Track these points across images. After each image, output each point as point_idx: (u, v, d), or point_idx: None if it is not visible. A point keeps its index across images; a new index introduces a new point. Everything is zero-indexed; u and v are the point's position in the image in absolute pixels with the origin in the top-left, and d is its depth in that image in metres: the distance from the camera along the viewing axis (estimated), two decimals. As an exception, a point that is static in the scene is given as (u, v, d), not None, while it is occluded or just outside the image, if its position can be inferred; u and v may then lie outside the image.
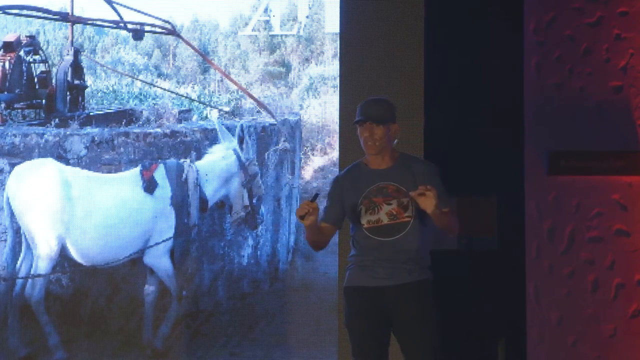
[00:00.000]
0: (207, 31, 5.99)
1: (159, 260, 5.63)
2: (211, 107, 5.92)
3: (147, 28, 5.92)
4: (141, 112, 5.89)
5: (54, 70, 5.97)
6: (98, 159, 5.70)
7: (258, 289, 5.62)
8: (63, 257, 5.62)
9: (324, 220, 3.87)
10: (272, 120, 5.74)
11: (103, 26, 6.04)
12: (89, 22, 6.02)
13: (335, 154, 5.52)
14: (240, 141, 5.71)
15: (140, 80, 6.04)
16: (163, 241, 5.62)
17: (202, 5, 5.90)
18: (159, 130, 5.74)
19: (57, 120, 5.83)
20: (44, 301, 5.60)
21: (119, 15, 5.87)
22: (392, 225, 3.82)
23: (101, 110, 5.99)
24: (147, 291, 5.62)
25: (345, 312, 3.91)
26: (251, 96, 5.79)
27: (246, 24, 5.90)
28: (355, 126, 3.85)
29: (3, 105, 5.88)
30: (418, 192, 3.69)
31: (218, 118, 5.82)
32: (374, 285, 3.84)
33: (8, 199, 5.63)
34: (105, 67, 6.05)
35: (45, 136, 5.72)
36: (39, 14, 5.92)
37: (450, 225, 3.86)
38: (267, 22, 5.88)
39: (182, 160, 5.68)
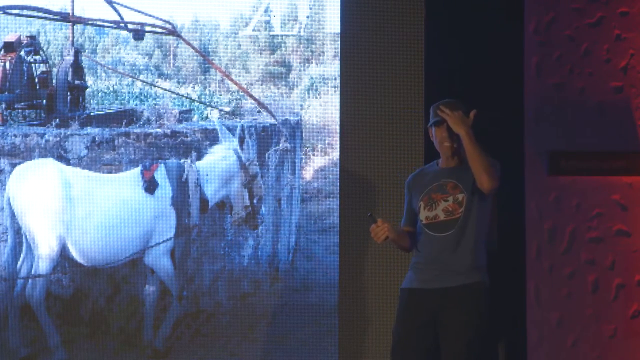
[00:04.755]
0: (207, 31, 5.99)
1: (160, 260, 5.63)
2: (212, 107, 5.92)
3: (147, 28, 5.92)
4: (142, 112, 5.89)
5: (55, 70, 5.97)
6: (98, 159, 5.71)
7: (258, 289, 5.61)
8: (63, 258, 5.62)
9: (405, 225, 4.01)
10: (272, 121, 5.74)
11: (103, 26, 6.04)
12: (90, 22, 6.02)
13: (335, 154, 5.51)
14: (241, 141, 5.71)
15: (141, 81, 6.04)
16: (163, 241, 5.62)
17: (203, 6, 5.90)
18: (159, 130, 5.74)
19: (57, 120, 5.83)
20: (45, 301, 5.60)
21: (119, 15, 5.87)
22: (447, 222, 3.89)
23: (102, 111, 5.99)
24: (147, 291, 5.63)
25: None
26: (252, 96, 5.79)
27: (247, 24, 5.90)
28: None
29: (3, 105, 5.88)
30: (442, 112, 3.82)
31: (218, 118, 5.82)
32: (420, 287, 3.91)
33: (9, 199, 5.64)
34: (105, 68, 6.05)
35: (46, 136, 5.73)
36: (40, 14, 5.92)
37: (482, 160, 3.82)
38: (267, 22, 5.88)
39: (182, 160, 5.68)
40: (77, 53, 5.93)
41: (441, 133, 3.97)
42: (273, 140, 5.73)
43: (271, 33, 5.92)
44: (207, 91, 5.96)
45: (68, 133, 5.74)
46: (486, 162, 3.82)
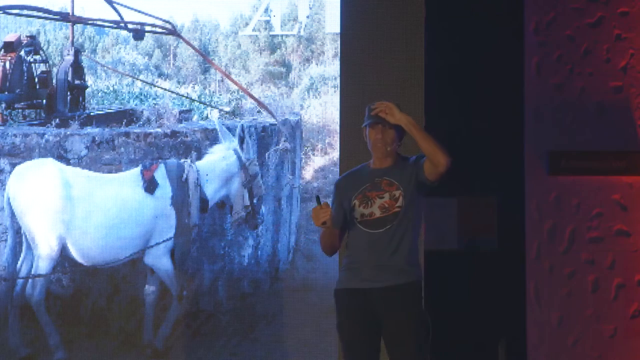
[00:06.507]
0: (207, 31, 5.99)
1: (160, 260, 5.63)
2: (212, 107, 5.93)
3: (147, 28, 5.92)
4: (142, 112, 5.89)
5: (55, 70, 5.97)
6: (98, 159, 5.71)
7: (258, 289, 5.61)
8: (63, 257, 5.62)
9: (334, 226, 3.85)
10: (272, 120, 5.74)
11: (103, 26, 6.04)
12: (90, 22, 6.02)
13: (335, 154, 5.52)
14: (241, 141, 5.71)
15: (141, 80, 6.04)
16: (163, 241, 5.62)
17: (203, 5, 5.90)
18: (159, 130, 5.74)
19: (57, 120, 5.83)
20: (45, 301, 5.60)
21: (119, 15, 5.87)
22: (384, 218, 3.80)
23: (102, 111, 5.99)
24: (147, 291, 5.63)
25: (336, 314, 3.90)
26: (252, 96, 5.79)
27: (247, 24, 5.90)
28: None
29: (3, 105, 5.88)
30: (378, 110, 3.74)
31: (218, 118, 5.82)
32: (360, 287, 3.82)
33: (9, 199, 5.64)
34: (105, 67, 6.06)
35: (46, 136, 5.73)
36: (40, 14, 5.92)
37: (433, 140, 3.71)
38: (267, 22, 5.88)
39: (182, 160, 5.68)
40: (77, 53, 5.93)
41: (375, 135, 3.89)
42: (273, 140, 5.73)
43: (271, 33, 5.93)
44: (207, 91, 5.96)
45: (68, 133, 5.74)
46: (436, 141, 3.73)
